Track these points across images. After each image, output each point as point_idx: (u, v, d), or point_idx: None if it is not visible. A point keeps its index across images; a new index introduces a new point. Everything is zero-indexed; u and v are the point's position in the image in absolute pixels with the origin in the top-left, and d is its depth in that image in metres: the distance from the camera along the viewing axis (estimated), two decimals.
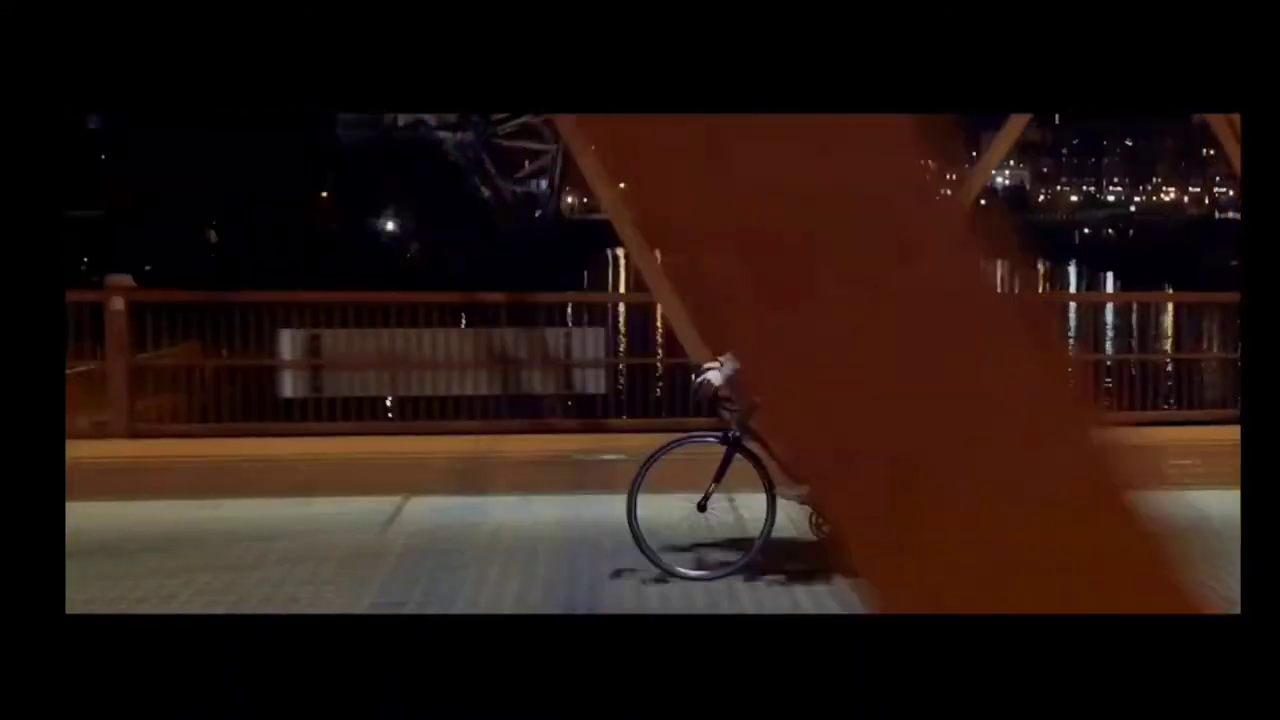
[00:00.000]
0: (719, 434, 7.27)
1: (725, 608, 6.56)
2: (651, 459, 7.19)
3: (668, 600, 6.75)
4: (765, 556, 7.19)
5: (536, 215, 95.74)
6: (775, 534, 7.20)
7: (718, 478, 7.17)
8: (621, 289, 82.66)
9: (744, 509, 7.19)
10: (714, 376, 7.06)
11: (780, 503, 7.17)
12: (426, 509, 8.50)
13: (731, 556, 7.24)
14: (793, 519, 7.19)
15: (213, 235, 62.34)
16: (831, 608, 6.53)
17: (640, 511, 7.34)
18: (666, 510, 7.15)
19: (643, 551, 7.14)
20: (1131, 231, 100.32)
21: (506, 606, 6.34)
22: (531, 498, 7.30)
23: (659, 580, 7.02)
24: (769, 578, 7.10)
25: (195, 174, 60.19)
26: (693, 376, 7.24)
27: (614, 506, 7.56)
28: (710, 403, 7.28)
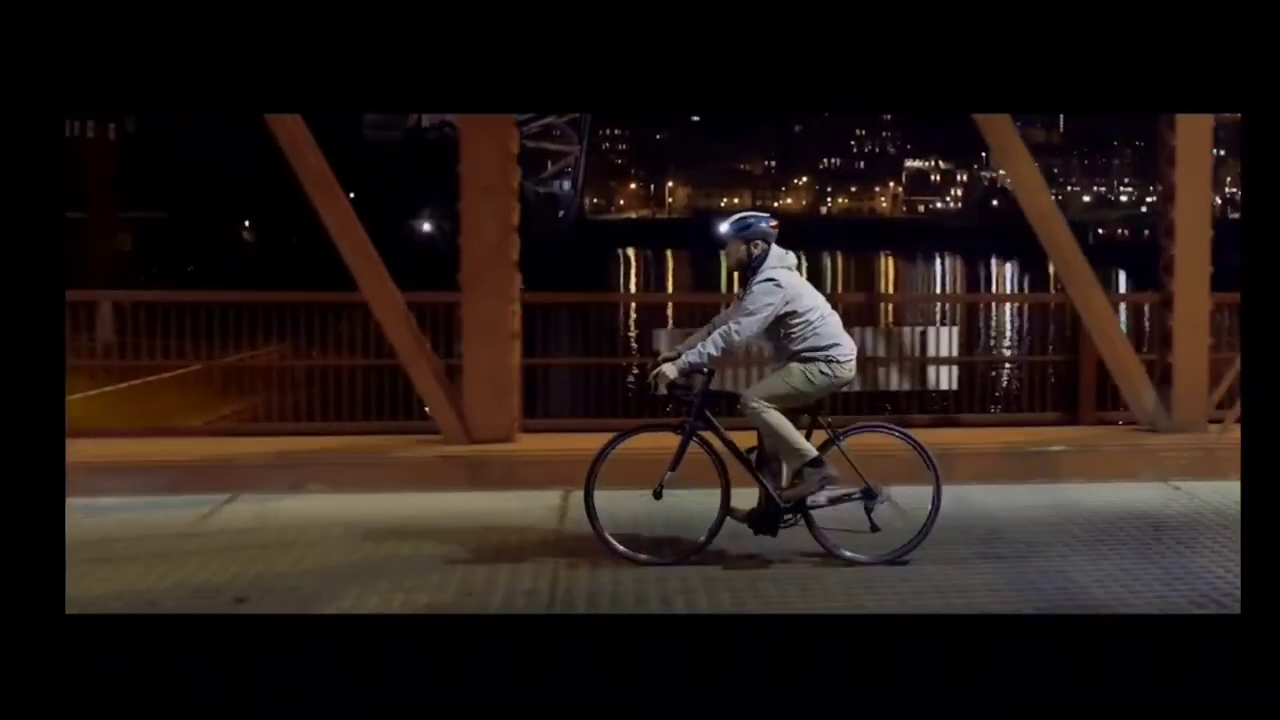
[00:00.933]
0: (674, 424, 7.36)
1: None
2: (607, 449, 7.31)
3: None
4: (715, 543, 7.30)
5: (560, 215, 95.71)
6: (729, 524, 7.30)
7: (673, 466, 7.26)
8: (633, 288, 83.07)
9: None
10: (668, 369, 7.15)
11: (734, 491, 7.26)
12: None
13: (686, 544, 7.36)
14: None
15: (247, 234, 62.45)
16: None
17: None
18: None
19: (599, 538, 7.26)
20: (1147, 232, 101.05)
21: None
22: (994, 487, 7.36)
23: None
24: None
25: (230, 173, 60.62)
26: (648, 366, 7.30)
27: (1086, 494, 7.85)
28: (667, 393, 7.37)
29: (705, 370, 7.18)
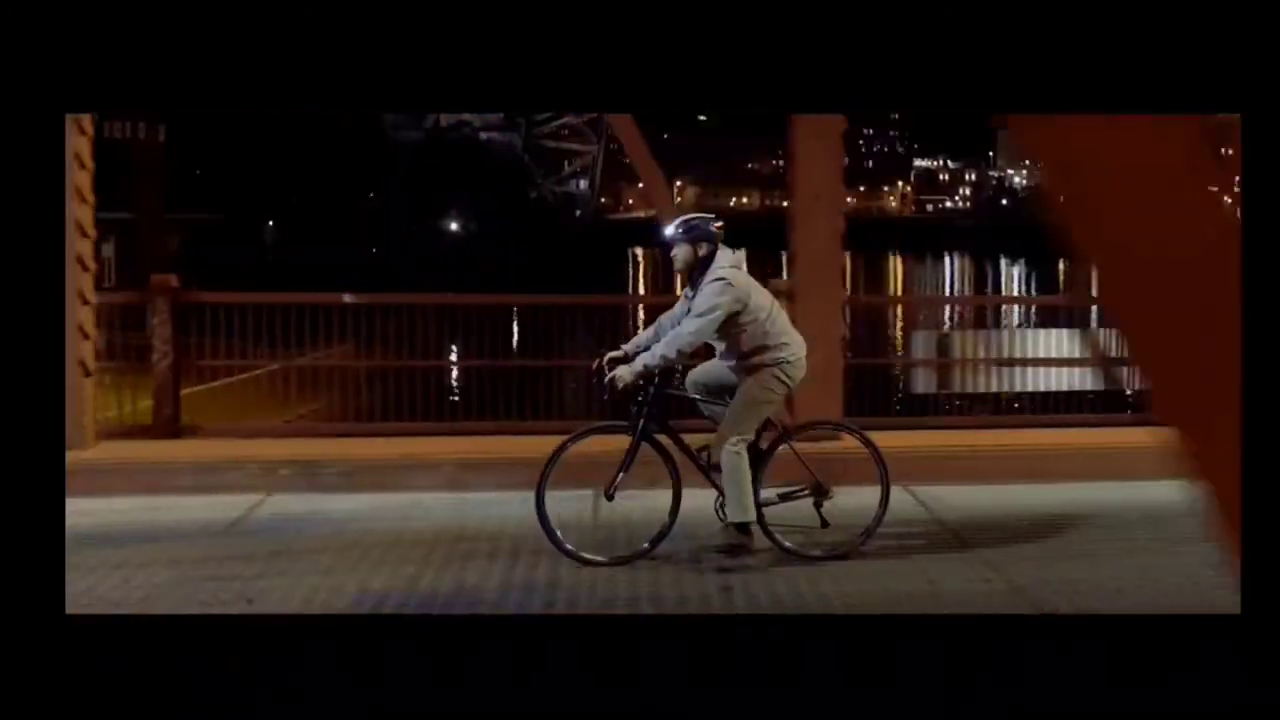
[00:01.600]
0: (627, 425, 7.38)
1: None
2: (560, 450, 7.35)
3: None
4: (670, 542, 7.36)
5: (577, 214, 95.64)
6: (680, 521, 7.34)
7: (625, 467, 7.30)
8: (642, 288, 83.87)
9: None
10: (623, 372, 7.17)
11: (685, 492, 7.32)
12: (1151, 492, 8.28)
13: (640, 542, 7.40)
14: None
15: (270, 234, 62.68)
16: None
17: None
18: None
19: (549, 538, 7.30)
20: None
21: None
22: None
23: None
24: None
25: (256, 168, 60.91)
26: (604, 366, 7.30)
27: None
28: (622, 395, 7.39)
29: (658, 374, 7.21)
